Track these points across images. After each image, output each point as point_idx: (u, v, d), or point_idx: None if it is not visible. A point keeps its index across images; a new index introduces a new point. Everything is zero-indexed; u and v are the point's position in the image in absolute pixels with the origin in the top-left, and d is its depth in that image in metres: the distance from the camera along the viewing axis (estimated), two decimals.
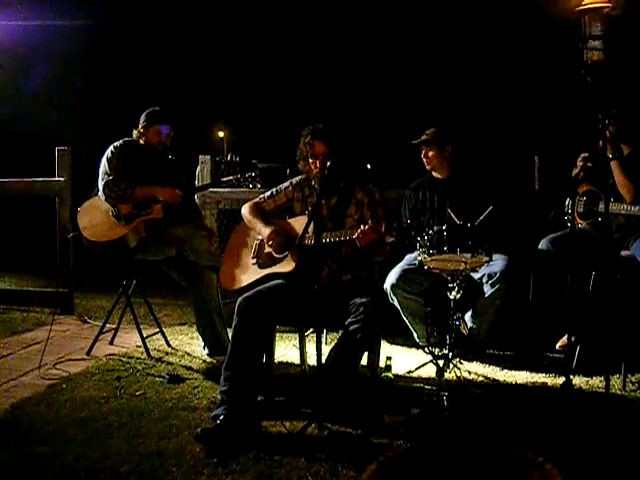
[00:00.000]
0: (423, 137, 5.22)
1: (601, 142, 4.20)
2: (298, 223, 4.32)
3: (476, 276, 4.92)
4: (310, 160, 4.32)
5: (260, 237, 4.41)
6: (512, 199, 5.70)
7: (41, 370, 4.86)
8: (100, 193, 5.08)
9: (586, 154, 4.85)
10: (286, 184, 4.57)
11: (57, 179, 6.70)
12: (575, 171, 4.95)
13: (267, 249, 4.35)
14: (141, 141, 5.27)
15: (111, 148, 5.19)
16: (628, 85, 4.79)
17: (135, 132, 5.30)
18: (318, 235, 3.86)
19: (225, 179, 5.40)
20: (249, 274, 4.34)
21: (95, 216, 5.10)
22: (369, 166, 4.65)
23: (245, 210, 4.57)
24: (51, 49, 13.61)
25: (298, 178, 4.54)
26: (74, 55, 14.77)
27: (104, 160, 5.15)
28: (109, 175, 5.05)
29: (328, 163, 4.15)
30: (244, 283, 4.32)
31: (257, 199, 4.61)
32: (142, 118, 5.28)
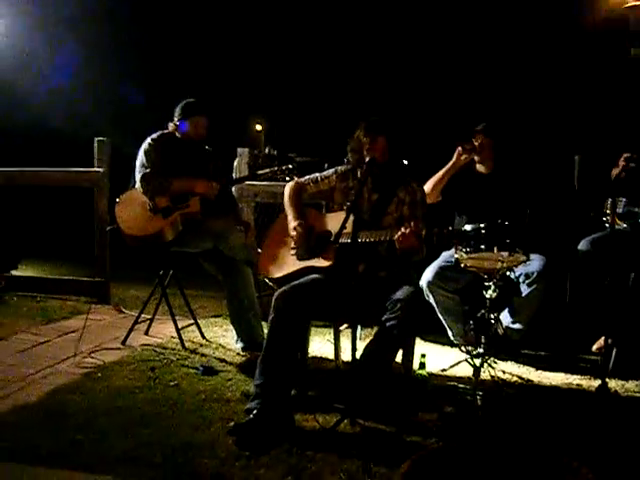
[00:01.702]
0: (480, 127, 5.18)
1: None
2: (335, 219, 4.28)
3: (513, 275, 4.88)
4: (365, 153, 4.25)
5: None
6: (551, 199, 5.64)
7: (77, 358, 4.90)
8: (137, 186, 5.10)
9: (628, 154, 4.79)
10: (331, 171, 4.54)
11: (96, 169, 6.76)
12: (616, 171, 4.89)
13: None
14: (177, 134, 5.28)
15: (148, 140, 5.20)
16: None
17: (171, 125, 5.31)
18: (356, 230, 3.84)
19: (261, 172, 5.41)
20: (287, 264, 4.33)
21: (133, 209, 5.12)
22: (405, 162, 4.63)
23: (287, 190, 4.56)
24: (84, 36, 13.72)
25: (343, 167, 4.51)
26: (109, 44, 14.88)
27: (141, 153, 5.16)
28: (146, 168, 5.07)
29: (367, 158, 4.14)
30: (281, 273, 4.31)
31: (302, 179, 4.60)
32: (177, 111, 5.28)
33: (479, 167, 5.26)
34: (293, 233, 4.30)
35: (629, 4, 3.72)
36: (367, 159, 4.17)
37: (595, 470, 2.66)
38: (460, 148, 5.21)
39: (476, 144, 5.18)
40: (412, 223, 3.88)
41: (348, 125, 4.43)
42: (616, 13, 3.77)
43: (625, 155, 4.81)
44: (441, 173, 5.25)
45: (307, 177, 4.60)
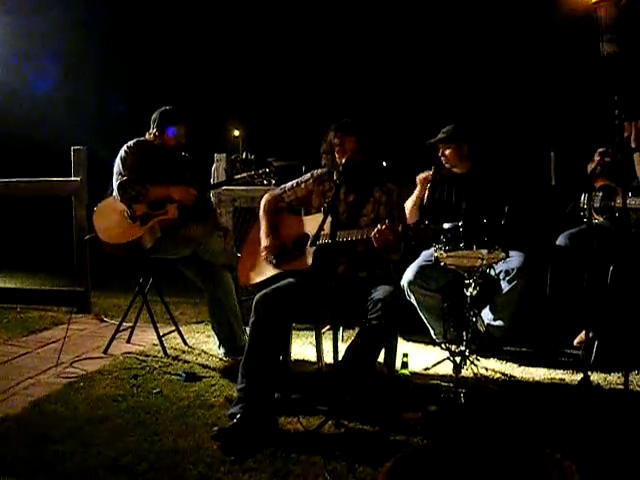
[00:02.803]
0: (440, 135, 5.19)
1: (618, 136, 4.18)
2: (311, 222, 4.31)
3: (493, 272, 4.90)
4: (337, 155, 4.30)
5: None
6: (529, 195, 5.67)
7: (58, 369, 4.88)
8: (115, 194, 5.09)
9: (603, 149, 4.82)
10: (307, 176, 4.55)
11: (73, 179, 6.71)
12: (591, 166, 4.91)
13: (286, 244, 4.37)
14: (156, 141, 5.25)
15: (124, 148, 5.18)
16: None
17: (149, 135, 5.28)
18: (334, 232, 3.85)
19: (238, 176, 5.41)
20: (266, 269, 4.35)
21: (111, 217, 5.10)
22: (384, 164, 4.65)
23: (262, 202, 4.58)
24: (63, 46, 13.67)
25: (319, 171, 4.52)
26: (87, 53, 14.83)
27: (118, 160, 5.14)
28: (123, 175, 5.05)
29: (344, 159, 4.15)
30: (260, 279, 4.33)
31: (279, 190, 4.61)
32: (155, 119, 5.27)
33: (454, 169, 5.27)
34: (263, 253, 4.35)
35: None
36: (343, 161, 4.18)
37: (578, 462, 2.67)
38: (421, 177, 5.23)
39: (440, 154, 5.21)
40: (387, 221, 3.89)
41: (326, 129, 4.44)
42: (586, 8, 3.79)
43: (600, 150, 4.84)
44: (412, 198, 5.26)
45: (283, 186, 4.62)
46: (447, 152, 5.17)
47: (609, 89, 3.94)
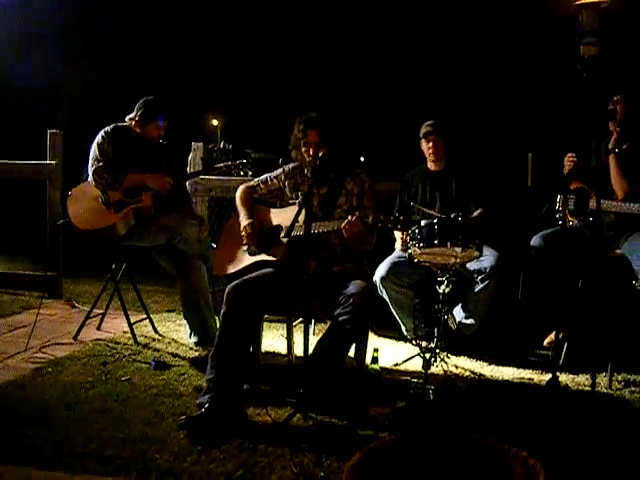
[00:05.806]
0: (430, 128, 5.19)
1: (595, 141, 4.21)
2: (284, 214, 4.36)
3: (466, 271, 4.92)
4: (303, 149, 4.38)
5: None
6: (505, 195, 5.70)
7: (27, 353, 4.84)
8: (90, 179, 5.05)
9: (572, 154, 4.84)
10: (279, 171, 4.63)
11: (48, 162, 6.66)
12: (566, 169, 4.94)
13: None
14: (137, 130, 5.20)
15: (102, 133, 5.13)
16: (625, 79, 4.78)
17: (129, 120, 5.23)
18: (308, 225, 3.85)
19: (215, 166, 5.39)
20: (239, 260, 4.37)
21: (85, 203, 5.06)
22: (362, 159, 4.67)
23: (238, 192, 4.66)
24: (44, 31, 13.59)
25: (291, 166, 4.59)
26: (67, 39, 14.74)
27: (94, 145, 5.09)
28: (99, 161, 5.01)
29: (321, 153, 4.16)
30: (234, 269, 4.34)
31: (252, 182, 4.70)
32: (140, 108, 5.19)
33: (431, 166, 5.29)
34: (244, 233, 4.35)
35: (580, 1, 3.76)
36: (317, 162, 4.21)
37: (543, 461, 2.69)
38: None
39: (430, 144, 5.21)
40: (357, 212, 3.92)
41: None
42: (566, 10, 3.80)
43: (569, 154, 4.86)
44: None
45: (257, 179, 4.70)
46: (438, 144, 5.17)
47: (588, 92, 3.95)
